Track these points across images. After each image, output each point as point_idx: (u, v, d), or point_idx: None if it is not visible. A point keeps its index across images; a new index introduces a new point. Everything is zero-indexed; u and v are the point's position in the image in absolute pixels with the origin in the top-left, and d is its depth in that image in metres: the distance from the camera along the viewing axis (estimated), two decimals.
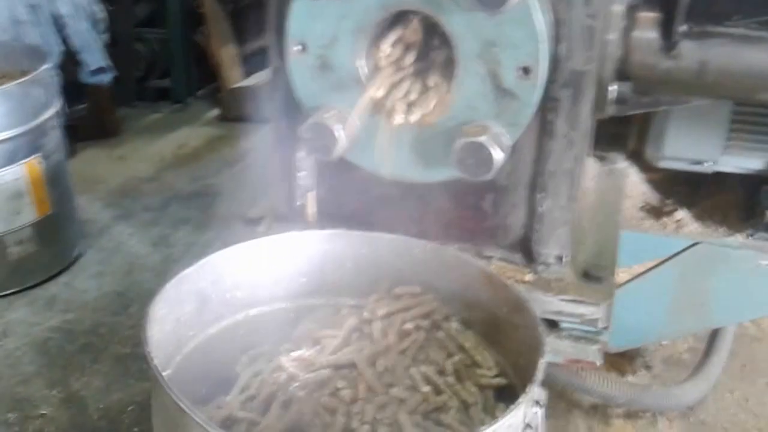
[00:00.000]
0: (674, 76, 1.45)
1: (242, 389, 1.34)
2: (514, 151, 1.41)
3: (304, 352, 1.35)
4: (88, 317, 2.28)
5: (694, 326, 1.94)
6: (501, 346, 1.37)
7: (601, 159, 1.98)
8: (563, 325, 1.45)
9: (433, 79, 1.32)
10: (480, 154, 1.24)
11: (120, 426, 1.87)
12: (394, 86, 1.32)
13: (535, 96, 1.25)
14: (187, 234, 2.71)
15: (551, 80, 1.32)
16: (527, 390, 1.08)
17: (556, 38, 1.30)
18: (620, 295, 1.87)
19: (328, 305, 1.47)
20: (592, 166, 1.93)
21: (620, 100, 1.47)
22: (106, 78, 3.17)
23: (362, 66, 1.31)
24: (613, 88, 1.46)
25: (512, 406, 1.05)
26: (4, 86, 2.18)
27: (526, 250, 1.49)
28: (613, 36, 1.39)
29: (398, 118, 1.31)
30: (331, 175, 1.55)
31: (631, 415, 1.85)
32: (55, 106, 2.36)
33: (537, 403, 1.20)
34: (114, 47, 3.59)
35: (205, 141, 3.61)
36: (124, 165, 3.34)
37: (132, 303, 2.33)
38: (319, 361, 1.33)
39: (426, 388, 1.27)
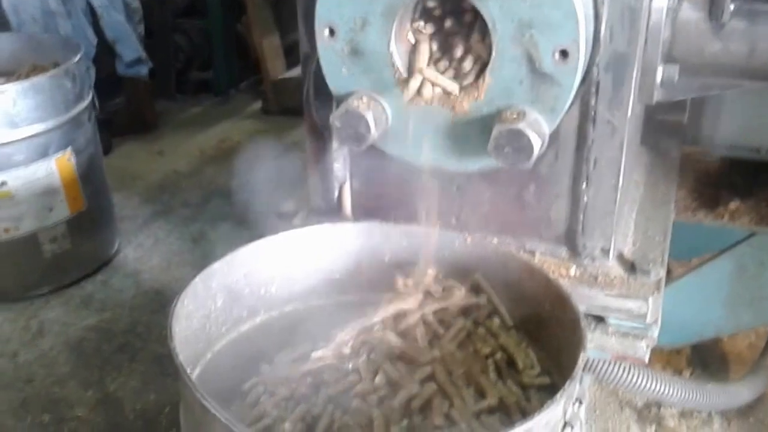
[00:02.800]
0: (723, 58, 1.42)
1: (273, 391, 1.36)
2: (555, 139, 1.40)
3: (337, 352, 1.35)
4: (125, 316, 2.32)
5: (753, 321, 1.90)
6: (544, 342, 1.36)
7: (654, 148, 1.95)
8: (610, 320, 1.43)
9: (468, 63, 1.31)
10: (518, 141, 1.23)
11: (157, 427, 1.91)
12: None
13: (575, 80, 1.23)
14: (227, 230, 2.74)
15: (592, 63, 1.31)
16: (566, 387, 1.07)
17: (596, 18, 1.28)
18: (675, 290, 1.86)
19: (365, 302, 1.48)
20: (643, 155, 1.90)
21: (667, 85, 1.45)
22: (142, 70, 3.22)
23: (394, 50, 1.31)
24: (660, 72, 1.43)
25: (548, 403, 1.04)
26: (33, 79, 2.22)
27: (570, 243, 1.47)
28: (659, 17, 1.36)
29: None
30: (366, 167, 1.55)
31: (685, 414, 1.82)
32: (88, 100, 2.41)
33: (578, 400, 1.19)
34: (152, 38, 3.65)
35: (247, 135, 3.65)
36: (163, 160, 3.39)
37: (170, 301, 2.35)
38: (354, 360, 1.34)
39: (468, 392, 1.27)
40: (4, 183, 2.22)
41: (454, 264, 1.44)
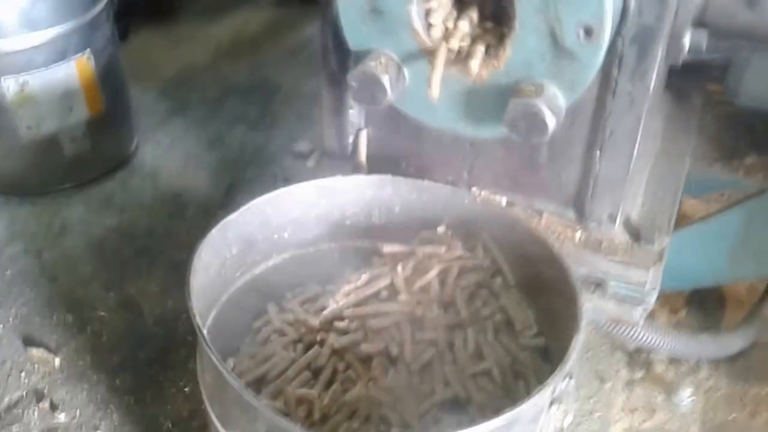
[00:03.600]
0: (756, 28, 1.37)
1: (282, 331, 1.42)
2: (572, 106, 1.38)
3: (342, 302, 1.41)
4: (144, 219, 2.36)
5: (754, 273, 1.93)
6: (543, 303, 1.40)
7: (677, 93, 1.91)
8: (609, 284, 1.46)
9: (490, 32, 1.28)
10: (533, 118, 1.22)
11: (175, 333, 1.98)
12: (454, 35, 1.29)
13: (598, 59, 1.21)
14: (243, 133, 2.74)
15: (617, 35, 1.27)
16: (557, 371, 1.12)
17: None
18: (681, 237, 1.87)
19: (374, 249, 1.51)
20: (665, 103, 1.87)
21: (695, 49, 1.41)
22: None
23: (414, 11, 1.27)
24: (688, 37, 1.39)
25: (538, 388, 1.09)
26: None
27: (578, 206, 1.49)
28: None
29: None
30: (383, 115, 1.55)
31: (674, 361, 1.88)
32: None
33: (568, 375, 1.25)
34: None
35: (266, 25, 3.54)
36: (180, 50, 3.33)
37: (187, 206, 2.40)
38: (356, 311, 1.39)
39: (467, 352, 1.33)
40: (25, 84, 2.22)
41: (461, 221, 1.46)
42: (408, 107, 1.38)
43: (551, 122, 1.22)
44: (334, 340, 1.33)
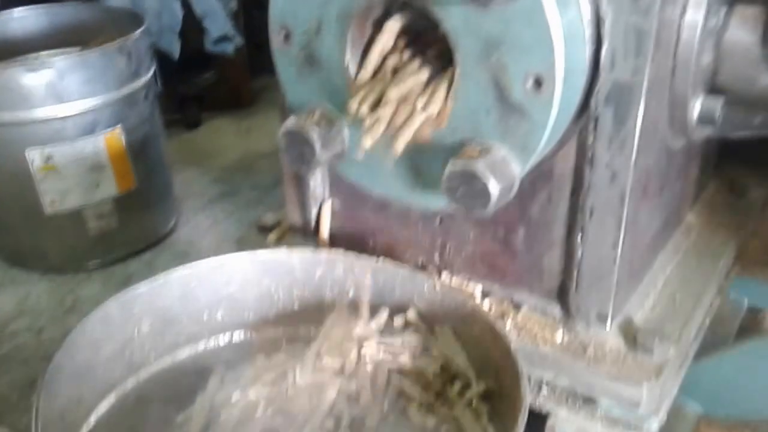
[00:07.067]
0: None
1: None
2: (549, 179, 1.19)
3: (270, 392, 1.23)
4: None
5: None
6: (508, 421, 1.16)
7: (728, 184, 1.65)
8: (600, 402, 1.20)
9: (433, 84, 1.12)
10: (472, 184, 1.03)
11: None
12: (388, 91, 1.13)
13: (550, 115, 1.01)
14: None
15: (590, 93, 1.08)
16: None
17: (597, 38, 1.05)
18: (736, 356, 1.60)
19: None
20: (709, 192, 1.61)
21: (706, 121, 1.18)
22: (228, 48, 3.17)
23: (350, 61, 1.14)
24: (697, 106, 1.18)
25: None
26: (83, 53, 2.18)
27: (563, 301, 1.25)
28: (691, 35, 1.10)
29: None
30: (348, 186, 1.39)
31: None
32: (145, 78, 2.37)
33: None
34: (261, 10, 3.60)
35: None
36: (248, 138, 3.35)
37: None
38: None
39: None
40: (50, 157, 2.23)
41: (422, 311, 1.26)
42: (348, 172, 1.22)
43: (495, 190, 1.02)
44: None
